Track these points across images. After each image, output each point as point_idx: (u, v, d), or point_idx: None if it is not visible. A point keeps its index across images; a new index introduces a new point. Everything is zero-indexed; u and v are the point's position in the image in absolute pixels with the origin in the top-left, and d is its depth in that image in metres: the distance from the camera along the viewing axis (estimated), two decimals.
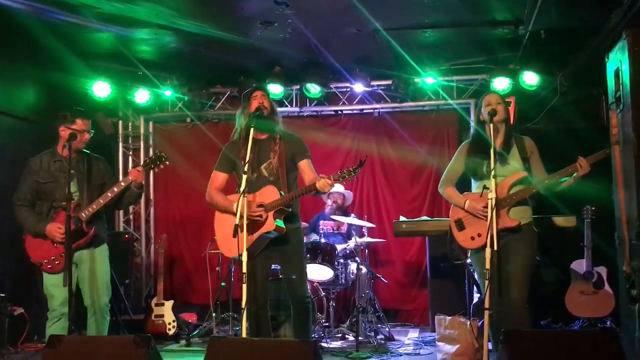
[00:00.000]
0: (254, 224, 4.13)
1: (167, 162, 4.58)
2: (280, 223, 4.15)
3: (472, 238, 4.16)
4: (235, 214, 3.97)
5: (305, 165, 4.34)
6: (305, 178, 4.29)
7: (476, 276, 4.66)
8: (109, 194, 4.43)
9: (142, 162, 8.20)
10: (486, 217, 3.98)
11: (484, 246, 3.87)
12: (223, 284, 6.77)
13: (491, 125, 4.02)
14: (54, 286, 4.36)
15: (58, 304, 4.36)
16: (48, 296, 4.44)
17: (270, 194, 4.18)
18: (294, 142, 4.43)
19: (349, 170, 3.98)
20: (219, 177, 4.45)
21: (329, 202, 7.33)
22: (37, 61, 6.70)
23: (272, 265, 4.88)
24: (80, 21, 6.21)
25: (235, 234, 3.82)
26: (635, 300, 3.96)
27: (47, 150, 4.60)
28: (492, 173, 3.90)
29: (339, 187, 7.32)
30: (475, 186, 4.30)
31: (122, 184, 4.44)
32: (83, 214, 4.39)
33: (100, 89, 7.51)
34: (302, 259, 4.44)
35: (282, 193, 4.18)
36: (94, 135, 4.69)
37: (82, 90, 7.42)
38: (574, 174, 3.97)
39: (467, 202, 4.18)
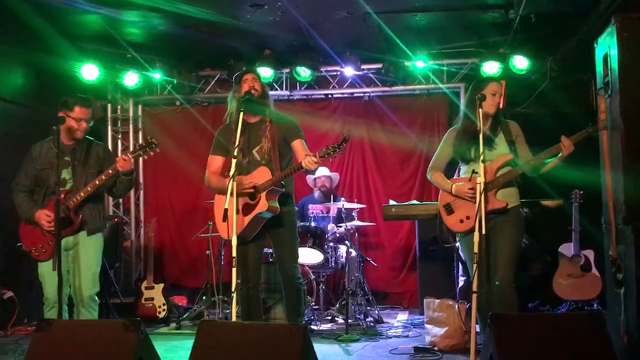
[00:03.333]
0: (248, 206, 4.15)
1: (158, 150, 4.38)
2: (273, 203, 4.17)
3: (461, 221, 4.24)
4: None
5: (298, 145, 4.34)
6: (299, 157, 4.28)
7: (464, 258, 4.72)
8: (97, 182, 4.33)
9: (131, 149, 8.20)
10: (474, 199, 4.09)
11: (473, 229, 3.96)
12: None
13: (480, 110, 4.07)
14: (45, 273, 4.33)
15: (51, 292, 4.28)
16: (43, 283, 4.42)
17: (262, 175, 4.20)
18: (286, 123, 4.43)
19: (334, 146, 3.96)
20: (215, 161, 4.46)
21: (317, 187, 7.35)
22: (24, 43, 6.63)
23: (264, 249, 4.89)
24: (68, 2, 6.15)
25: (225, 219, 3.83)
26: (620, 284, 4.00)
27: (50, 137, 4.50)
28: (481, 157, 3.99)
29: (324, 171, 7.34)
30: (464, 170, 4.36)
31: (110, 171, 4.33)
32: (71, 202, 4.33)
33: (89, 71, 7.44)
34: (294, 240, 4.47)
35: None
36: None
37: (70, 73, 7.35)
38: (559, 155, 4.04)
39: (454, 186, 4.27)
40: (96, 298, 4.49)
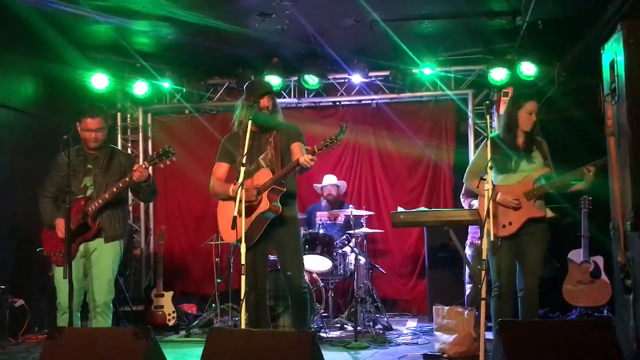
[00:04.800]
0: (250, 207, 4.19)
1: (174, 158, 4.45)
2: (275, 203, 4.21)
3: (504, 226, 4.45)
4: (232, 198, 4.01)
5: (296, 147, 4.35)
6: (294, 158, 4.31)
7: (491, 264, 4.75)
8: (114, 189, 4.43)
9: (141, 157, 8.24)
10: (518, 207, 4.40)
11: (514, 234, 4.39)
12: (218, 280, 6.78)
13: (488, 117, 4.29)
14: (61, 279, 4.36)
15: (64, 298, 4.31)
16: (57, 289, 4.47)
17: (264, 176, 4.26)
18: (290, 130, 4.48)
19: (331, 138, 3.96)
20: (221, 168, 4.51)
21: (323, 195, 7.37)
22: (35, 53, 6.70)
23: (271, 256, 4.91)
24: (78, 12, 6.21)
25: (233, 226, 3.85)
26: (629, 290, 3.99)
27: (76, 146, 4.60)
28: (488, 164, 4.15)
29: (331, 179, 7.36)
30: (500, 179, 4.56)
31: (127, 179, 4.42)
32: (90, 209, 4.43)
33: (99, 80, 7.51)
34: (297, 247, 4.48)
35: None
36: None
37: (80, 82, 7.42)
38: (583, 181, 4.38)
39: (499, 194, 4.46)
40: (111, 305, 4.56)
